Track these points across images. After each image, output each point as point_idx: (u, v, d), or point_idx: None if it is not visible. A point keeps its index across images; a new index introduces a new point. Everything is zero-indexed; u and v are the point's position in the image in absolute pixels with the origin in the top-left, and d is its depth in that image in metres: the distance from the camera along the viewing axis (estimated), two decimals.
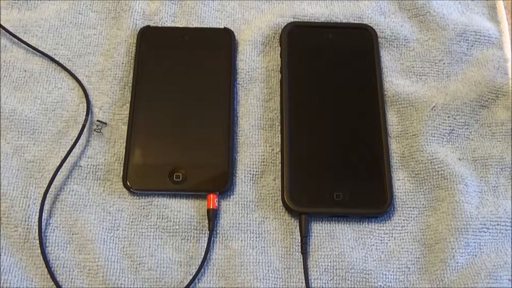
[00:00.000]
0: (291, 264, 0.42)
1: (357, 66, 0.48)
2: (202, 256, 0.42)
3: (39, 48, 0.49)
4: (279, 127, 0.47)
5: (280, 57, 0.49)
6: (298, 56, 0.48)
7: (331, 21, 0.51)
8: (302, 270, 0.41)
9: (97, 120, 0.46)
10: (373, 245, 0.43)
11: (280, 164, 0.45)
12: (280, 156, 0.45)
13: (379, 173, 0.44)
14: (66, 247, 0.42)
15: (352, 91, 0.47)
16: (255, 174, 0.45)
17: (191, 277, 0.41)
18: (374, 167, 0.44)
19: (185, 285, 0.41)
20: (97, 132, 0.46)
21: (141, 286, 0.41)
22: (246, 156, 0.46)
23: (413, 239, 0.43)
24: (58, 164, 0.44)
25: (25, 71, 0.49)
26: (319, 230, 0.43)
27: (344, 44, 0.49)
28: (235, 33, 0.50)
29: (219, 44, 0.49)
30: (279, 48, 0.50)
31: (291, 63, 0.48)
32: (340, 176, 0.44)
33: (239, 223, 0.43)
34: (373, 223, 0.43)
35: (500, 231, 0.43)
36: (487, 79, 0.48)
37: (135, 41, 0.50)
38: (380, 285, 0.41)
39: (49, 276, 0.41)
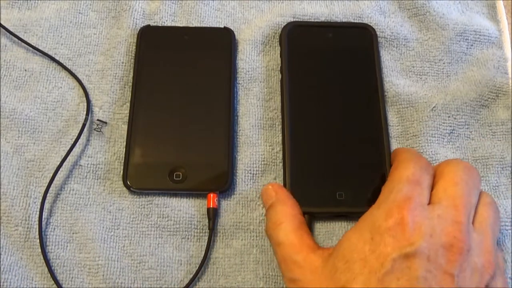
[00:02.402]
0: None
1: (357, 65, 0.48)
2: (203, 255, 0.42)
3: (39, 48, 0.49)
4: (280, 127, 0.47)
5: (280, 56, 0.49)
6: (298, 56, 0.48)
7: (331, 21, 0.51)
8: None
9: (97, 119, 0.46)
10: None
11: (280, 164, 0.45)
12: (280, 156, 0.45)
13: (381, 170, 0.43)
14: (67, 246, 0.42)
15: (352, 90, 0.47)
16: (256, 174, 0.45)
17: (191, 276, 0.41)
18: (376, 165, 0.44)
19: (185, 284, 0.41)
20: (97, 131, 0.46)
21: (141, 285, 0.41)
22: (247, 156, 0.46)
23: None
24: (58, 163, 0.44)
25: (25, 70, 0.49)
26: (321, 229, 0.43)
27: (343, 43, 0.49)
28: (235, 33, 0.50)
29: (219, 44, 0.49)
30: (279, 47, 0.50)
31: (291, 62, 0.48)
32: (342, 176, 0.44)
33: (239, 222, 0.43)
34: None
35: (500, 231, 0.42)
36: (487, 78, 0.48)
37: (135, 41, 0.50)
38: None
39: (49, 275, 0.41)
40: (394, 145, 0.46)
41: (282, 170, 0.45)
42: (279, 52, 0.50)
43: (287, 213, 0.40)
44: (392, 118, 0.47)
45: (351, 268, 0.34)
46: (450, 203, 0.36)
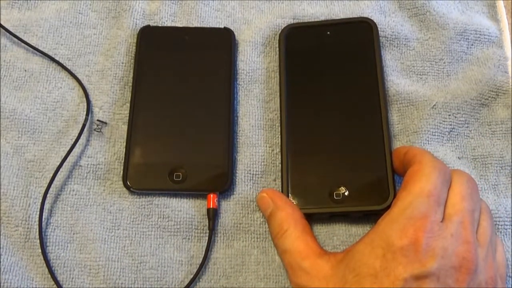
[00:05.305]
0: None
1: (357, 61, 0.47)
2: (203, 256, 0.42)
3: (39, 48, 0.49)
4: (279, 128, 0.46)
5: (279, 60, 0.49)
6: (297, 58, 0.48)
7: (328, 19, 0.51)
8: None
9: (97, 120, 0.46)
10: None
11: (280, 165, 0.45)
12: (280, 157, 0.45)
13: (380, 169, 0.43)
14: (67, 246, 0.42)
15: (352, 89, 0.46)
16: (255, 174, 0.45)
17: (192, 276, 0.41)
18: (375, 164, 0.43)
19: (186, 284, 0.41)
20: (97, 131, 0.46)
21: (142, 286, 0.41)
22: (246, 156, 0.46)
23: None
24: (58, 163, 0.44)
25: (25, 70, 0.49)
26: (321, 229, 0.43)
27: (343, 40, 0.49)
28: (235, 33, 0.50)
29: (219, 44, 0.49)
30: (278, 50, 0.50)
31: (289, 66, 0.47)
32: (341, 176, 0.43)
33: (240, 223, 0.43)
34: (375, 220, 0.43)
35: (500, 229, 0.42)
36: (487, 77, 0.48)
37: (135, 41, 0.50)
38: None
39: (49, 275, 0.41)
40: (394, 144, 0.46)
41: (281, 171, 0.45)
42: (279, 53, 0.49)
43: (289, 219, 0.40)
44: (393, 116, 0.47)
45: (361, 283, 0.34)
46: (459, 219, 0.36)
